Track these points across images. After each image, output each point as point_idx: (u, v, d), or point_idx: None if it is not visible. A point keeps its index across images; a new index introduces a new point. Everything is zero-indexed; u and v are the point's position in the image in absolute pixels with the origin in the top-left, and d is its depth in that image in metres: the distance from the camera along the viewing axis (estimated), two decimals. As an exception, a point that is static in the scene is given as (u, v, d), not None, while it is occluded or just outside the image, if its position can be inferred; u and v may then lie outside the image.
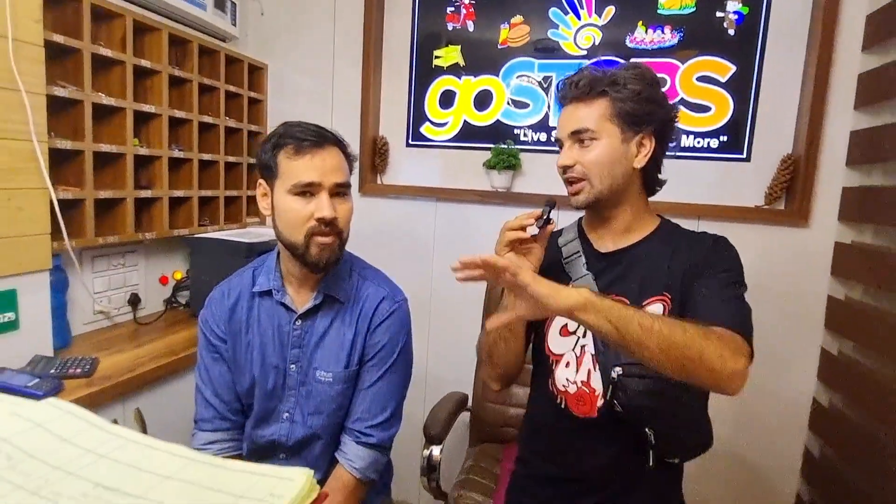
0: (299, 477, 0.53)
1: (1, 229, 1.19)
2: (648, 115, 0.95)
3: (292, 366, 1.08)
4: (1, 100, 1.17)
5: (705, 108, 1.77)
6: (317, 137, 1.00)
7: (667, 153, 1.05)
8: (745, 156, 1.75)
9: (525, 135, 1.95)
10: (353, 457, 1.05)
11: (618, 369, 0.92)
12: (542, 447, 1.09)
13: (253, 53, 2.13)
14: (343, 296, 1.09)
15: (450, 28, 1.98)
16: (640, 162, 0.98)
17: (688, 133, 1.79)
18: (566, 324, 1.05)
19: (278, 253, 1.11)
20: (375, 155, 2.10)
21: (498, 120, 1.97)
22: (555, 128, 1.73)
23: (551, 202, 0.97)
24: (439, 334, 2.06)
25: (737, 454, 1.79)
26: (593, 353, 1.00)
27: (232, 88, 1.98)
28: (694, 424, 0.97)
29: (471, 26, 1.96)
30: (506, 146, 1.92)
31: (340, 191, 1.02)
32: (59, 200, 1.31)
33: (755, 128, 1.73)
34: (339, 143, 1.06)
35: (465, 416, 1.75)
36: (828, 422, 1.64)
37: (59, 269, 1.39)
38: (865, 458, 1.39)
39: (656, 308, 0.96)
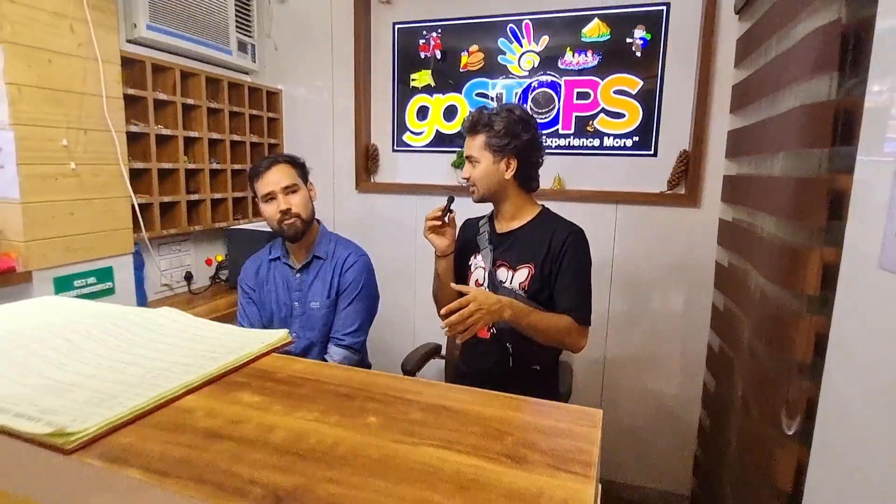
0: (280, 332, 1.01)
1: (101, 225, 1.77)
2: (507, 145, 1.46)
3: (295, 303, 1.69)
4: (99, 139, 1.74)
5: (621, 115, 2.23)
6: (267, 162, 1.58)
7: (541, 160, 1.55)
8: (652, 152, 2.20)
9: (483, 140, 2.44)
10: (333, 353, 1.65)
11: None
12: (464, 355, 1.67)
13: (269, 82, 2.68)
14: (324, 255, 1.68)
15: (422, 56, 2.49)
16: (509, 175, 1.49)
17: (608, 135, 2.25)
18: (477, 279, 1.58)
19: (280, 239, 1.71)
20: (368, 159, 2.63)
21: (461, 130, 2.47)
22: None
23: (451, 198, 1.49)
24: (422, 298, 2.59)
25: (647, 388, 2.27)
26: None
27: (254, 112, 2.54)
28: (538, 347, 1.46)
29: (438, 54, 2.46)
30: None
31: (290, 189, 1.60)
32: (137, 204, 1.89)
33: (659, 130, 2.18)
34: (287, 160, 1.63)
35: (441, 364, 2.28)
36: (718, 362, 2.09)
37: (137, 253, 1.97)
38: (742, 386, 1.85)
39: (524, 272, 1.49)
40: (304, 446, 0.52)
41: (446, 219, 1.51)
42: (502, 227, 1.56)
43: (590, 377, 2.35)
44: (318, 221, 1.74)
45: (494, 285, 1.51)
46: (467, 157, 1.51)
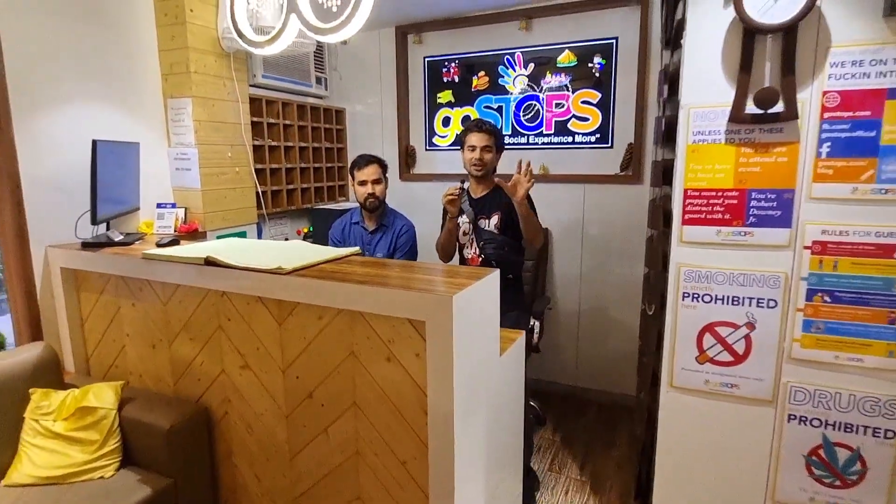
0: (355, 248, 2.00)
1: (240, 204, 2.83)
2: (498, 144, 2.39)
3: (366, 253, 2.63)
4: (240, 150, 2.79)
5: (586, 119, 3.07)
6: (366, 160, 2.54)
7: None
8: (609, 145, 3.04)
9: (490, 140, 3.35)
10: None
11: (481, 244, 2.36)
12: None
13: (337, 103, 3.70)
14: (388, 224, 2.63)
15: (445, 80, 3.42)
16: (497, 162, 2.42)
17: (578, 134, 3.11)
18: (463, 230, 2.42)
19: (359, 208, 2.66)
20: (408, 156, 3.60)
21: (475, 132, 3.39)
22: (506, 135, 3.13)
23: (463, 181, 2.39)
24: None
25: (601, 310, 3.12)
26: (474, 240, 2.42)
27: (327, 126, 3.56)
28: (512, 265, 2.37)
29: (456, 79, 3.39)
30: (479, 147, 3.33)
31: (377, 181, 2.55)
32: (259, 192, 2.94)
33: (614, 129, 3.02)
34: (378, 161, 2.58)
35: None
36: (645, 290, 2.91)
37: (259, 224, 3.02)
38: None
39: (496, 218, 2.36)
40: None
41: (461, 194, 2.37)
42: (477, 194, 2.44)
43: (567, 294, 3.23)
44: (386, 203, 2.71)
45: (477, 230, 2.38)
46: (482, 147, 2.35)
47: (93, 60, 2.28)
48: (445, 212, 2.44)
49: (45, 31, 2.11)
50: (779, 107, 1.46)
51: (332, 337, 1.59)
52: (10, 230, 2.08)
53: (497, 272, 1.62)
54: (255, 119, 2.94)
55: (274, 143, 3.10)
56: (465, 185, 2.38)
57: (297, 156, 3.30)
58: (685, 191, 1.64)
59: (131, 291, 2.03)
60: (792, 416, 1.61)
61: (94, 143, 1.99)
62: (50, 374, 1.98)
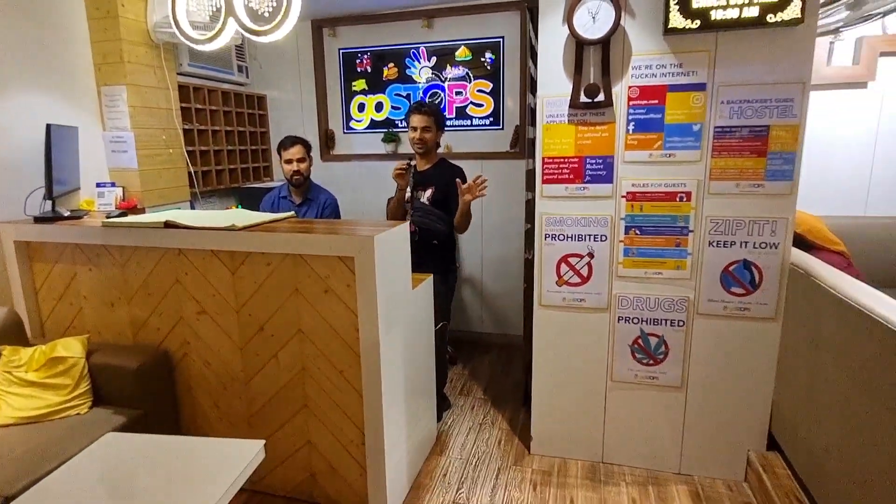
0: (289, 213, 2.42)
1: (174, 183, 3.10)
2: (440, 121, 2.79)
3: None
4: (172, 134, 3.06)
5: (481, 105, 3.63)
6: (291, 140, 2.92)
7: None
8: (501, 127, 3.63)
9: (401, 125, 3.83)
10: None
11: (412, 212, 2.69)
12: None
13: (258, 90, 3.99)
14: (313, 197, 3.03)
15: (359, 70, 3.84)
16: (438, 139, 2.82)
17: (475, 118, 3.66)
18: (407, 197, 2.66)
19: (286, 184, 3.04)
20: (328, 139, 3.98)
21: (387, 117, 3.85)
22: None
23: (411, 158, 2.74)
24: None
25: (499, 264, 3.74)
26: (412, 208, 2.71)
27: (250, 111, 3.86)
28: (435, 232, 2.70)
29: (369, 69, 3.82)
30: (391, 131, 3.80)
31: (301, 158, 2.94)
32: (191, 172, 3.22)
33: (503, 113, 3.60)
34: (300, 141, 2.97)
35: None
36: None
37: (191, 202, 3.30)
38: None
39: (429, 192, 2.75)
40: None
41: (408, 169, 2.66)
42: (421, 168, 2.81)
43: (471, 255, 3.81)
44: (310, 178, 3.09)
45: (412, 200, 2.67)
46: (422, 128, 2.72)
47: (32, 53, 2.48)
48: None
49: (-16, 24, 2.29)
50: (601, 97, 2.07)
51: (278, 278, 2.01)
52: (-40, 207, 2.28)
53: (405, 226, 2.12)
54: (184, 105, 3.20)
55: (202, 128, 3.38)
56: (413, 163, 2.70)
57: (223, 139, 3.58)
58: (543, 158, 2.22)
59: (88, 258, 2.31)
60: (620, 318, 2.27)
61: (48, 126, 2.24)
62: (15, 334, 2.24)
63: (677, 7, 1.90)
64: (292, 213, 2.38)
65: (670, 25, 1.92)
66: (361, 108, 3.90)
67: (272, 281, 2.03)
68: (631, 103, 2.08)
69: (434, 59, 3.67)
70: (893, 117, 3.04)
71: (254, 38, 2.20)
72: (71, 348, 2.18)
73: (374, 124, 3.89)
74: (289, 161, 2.95)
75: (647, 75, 2.05)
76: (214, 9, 2.22)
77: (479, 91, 3.62)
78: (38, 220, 2.35)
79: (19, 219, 2.40)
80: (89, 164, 2.77)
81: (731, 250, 2.09)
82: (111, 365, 2.18)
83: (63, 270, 2.38)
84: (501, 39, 3.51)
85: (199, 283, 2.15)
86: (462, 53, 3.61)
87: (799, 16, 1.82)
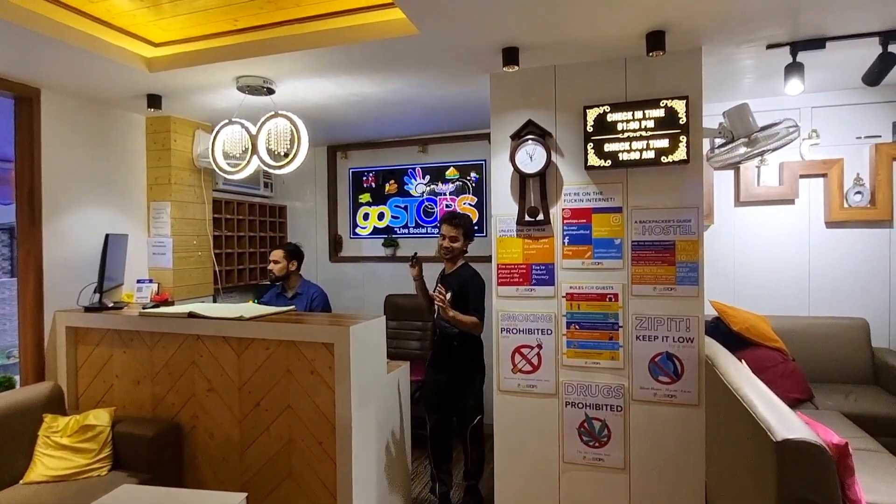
0: (289, 307, 2.89)
1: (201, 280, 3.66)
2: (466, 233, 2.95)
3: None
4: (203, 240, 3.67)
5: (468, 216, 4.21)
6: (275, 248, 3.49)
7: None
8: (485, 235, 4.16)
9: (399, 231, 4.42)
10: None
11: (437, 311, 2.96)
12: (435, 349, 3.13)
13: (280, 202, 4.69)
14: (302, 291, 3.50)
15: (365, 185, 4.52)
16: (465, 247, 2.98)
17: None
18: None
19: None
20: (336, 242, 4.58)
21: (388, 225, 4.45)
22: (410, 227, 4.20)
23: (415, 254, 3.00)
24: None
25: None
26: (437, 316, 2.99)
27: (272, 219, 4.52)
28: (452, 334, 2.88)
29: (373, 185, 4.49)
30: (390, 236, 4.38)
31: (275, 260, 3.45)
32: (216, 271, 3.79)
33: (487, 223, 4.16)
34: (281, 246, 3.53)
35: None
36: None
37: (214, 296, 3.83)
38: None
39: (450, 293, 2.80)
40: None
41: (413, 262, 2.96)
42: (447, 271, 2.99)
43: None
44: (301, 276, 3.60)
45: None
46: (450, 237, 2.91)
47: (100, 176, 3.17)
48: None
49: (70, 157, 3.00)
50: (541, 216, 2.58)
51: (274, 360, 2.45)
52: (30, 300, 2.84)
53: (382, 319, 2.57)
54: (216, 216, 3.86)
55: (229, 234, 4.01)
56: (417, 254, 3.01)
57: (247, 243, 4.20)
58: (498, 265, 2.70)
59: (123, 342, 2.80)
60: (567, 403, 2.60)
61: (107, 236, 2.84)
62: (56, 404, 2.69)
63: (593, 151, 2.46)
64: (293, 306, 2.87)
65: (588, 164, 2.47)
66: (366, 217, 4.52)
67: (269, 363, 2.46)
68: (565, 221, 2.58)
69: (428, 177, 4.33)
70: (820, 231, 3.47)
71: (270, 170, 2.83)
72: (100, 418, 2.60)
73: (376, 231, 4.49)
74: (273, 262, 3.48)
75: (576, 200, 2.56)
76: (244, 147, 2.88)
77: (466, 204, 4.22)
78: (88, 309, 2.88)
79: (72, 308, 2.93)
80: (133, 264, 3.36)
81: (655, 343, 2.46)
82: (131, 434, 2.58)
83: (102, 352, 2.86)
84: (484, 162, 4.16)
85: (210, 365, 2.59)
86: (451, 173, 4.26)
87: (685, 157, 2.34)
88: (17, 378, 2.93)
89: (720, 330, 3.15)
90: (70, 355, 2.90)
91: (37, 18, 2.17)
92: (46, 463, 2.46)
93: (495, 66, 2.55)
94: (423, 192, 4.34)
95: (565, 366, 2.60)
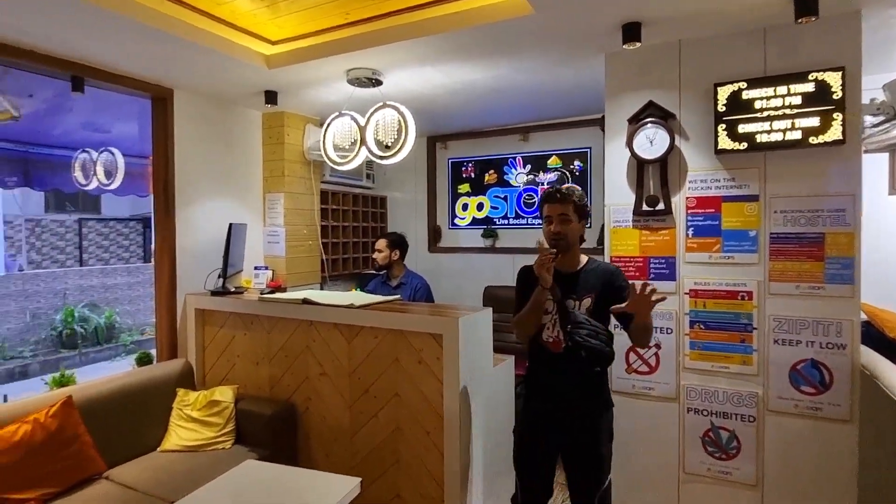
0: (394, 296, 2.92)
1: (309, 268, 3.82)
2: (579, 212, 1.96)
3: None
4: (311, 230, 3.83)
5: (571, 206, 4.03)
6: (378, 238, 3.52)
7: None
8: (589, 225, 3.96)
9: (499, 222, 4.34)
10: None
11: (569, 327, 1.90)
12: (537, 370, 2.07)
13: (381, 192, 4.79)
14: (406, 281, 3.52)
15: (464, 175, 4.48)
16: (582, 231, 2.01)
17: (564, 217, 4.06)
18: (546, 308, 1.96)
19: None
20: (435, 233, 4.60)
21: (487, 216, 4.39)
22: (510, 218, 4.12)
23: (555, 247, 1.91)
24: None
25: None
26: (557, 322, 1.96)
27: (373, 210, 4.63)
28: (605, 357, 1.89)
29: (472, 175, 4.44)
30: (490, 227, 4.32)
31: (378, 249, 3.50)
32: (323, 259, 3.95)
33: (591, 213, 3.96)
34: (384, 236, 3.56)
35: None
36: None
37: (321, 284, 3.99)
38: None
39: (587, 300, 1.92)
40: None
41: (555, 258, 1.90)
42: (566, 269, 1.97)
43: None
44: (404, 265, 3.63)
45: (563, 311, 1.93)
46: (558, 216, 1.92)
47: (222, 169, 3.40)
48: (525, 281, 2.04)
49: (198, 151, 3.23)
50: (661, 206, 2.38)
51: (383, 349, 2.48)
52: (165, 284, 3.10)
53: (488, 311, 2.50)
54: (323, 206, 4.01)
55: (335, 224, 4.16)
56: (556, 251, 1.91)
57: (350, 233, 4.34)
58: (611, 257, 2.53)
59: (244, 324, 2.98)
60: (690, 409, 2.39)
61: (231, 225, 3.04)
62: (187, 379, 2.92)
63: (725, 133, 2.22)
64: (398, 296, 2.89)
65: (719, 147, 2.23)
66: (465, 207, 4.49)
67: (378, 351, 2.50)
68: (689, 211, 2.36)
69: (529, 166, 4.20)
70: None
71: (378, 161, 2.87)
72: (225, 394, 2.79)
73: (475, 222, 4.45)
74: (376, 251, 3.53)
75: (702, 187, 2.33)
76: (353, 139, 2.93)
77: (568, 194, 4.04)
78: (214, 293, 3.10)
79: (200, 291, 3.17)
80: (250, 252, 3.57)
81: (798, 349, 2.19)
82: (251, 411, 2.74)
83: (225, 333, 3.07)
84: (589, 149, 3.96)
85: (323, 350, 2.68)
86: (553, 161, 4.10)
87: (840, 137, 2.04)
88: (153, 353, 3.24)
89: (871, 336, 2.74)
90: (198, 335, 3.14)
91: (171, 21, 2.32)
92: (179, 434, 2.68)
93: (613, 44, 2.38)
94: (526, 181, 4.23)
95: (688, 368, 2.39)
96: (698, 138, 2.35)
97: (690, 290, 2.36)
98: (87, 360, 7.72)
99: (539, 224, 4.05)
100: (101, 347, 8.04)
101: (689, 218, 2.36)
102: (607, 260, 2.55)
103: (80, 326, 7.96)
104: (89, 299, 8.63)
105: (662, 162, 2.38)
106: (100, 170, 4.03)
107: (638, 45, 2.23)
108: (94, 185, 4.11)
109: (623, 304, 1.83)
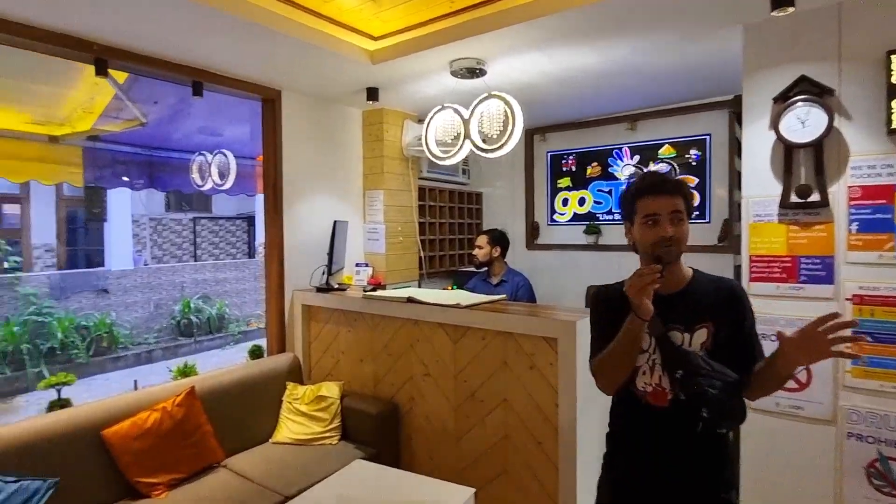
0: (501, 296, 2.79)
1: (407, 265, 3.79)
2: (689, 209, 1.40)
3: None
4: (409, 226, 3.80)
5: (686, 199, 3.68)
6: (479, 234, 3.38)
7: None
8: (708, 220, 3.60)
9: (602, 217, 4.07)
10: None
11: (678, 374, 1.32)
12: (628, 432, 1.48)
13: (476, 188, 4.68)
14: (507, 279, 3.38)
15: (563, 169, 4.25)
16: (687, 236, 1.38)
17: (678, 211, 3.71)
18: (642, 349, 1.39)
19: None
20: (533, 229, 4.42)
21: (589, 211, 4.14)
22: (615, 213, 3.85)
23: (659, 261, 1.32)
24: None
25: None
26: (657, 363, 1.38)
27: (469, 206, 4.53)
28: (732, 414, 1.33)
29: (573, 168, 4.20)
30: (593, 223, 4.06)
31: (478, 245, 3.35)
32: (421, 256, 3.91)
33: (711, 207, 3.59)
34: (485, 232, 3.41)
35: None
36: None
37: (419, 281, 3.96)
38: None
39: (703, 331, 1.36)
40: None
41: (662, 277, 1.30)
42: (666, 288, 1.38)
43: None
44: (505, 263, 3.49)
45: (668, 349, 1.37)
46: (670, 215, 1.35)
47: (325, 167, 3.44)
48: (604, 309, 1.51)
49: (303, 150, 3.30)
50: (815, 197, 2.05)
51: (490, 351, 2.36)
52: (274, 280, 3.19)
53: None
54: (419, 203, 3.97)
55: (431, 220, 4.11)
56: (662, 267, 1.32)
57: (447, 229, 4.27)
58: (750, 257, 2.23)
59: (348, 321, 3.00)
60: (851, 434, 2.04)
61: (335, 222, 3.06)
62: (295, 373, 2.98)
63: (904, 108, 1.85)
64: (504, 295, 2.76)
65: (894, 126, 1.87)
66: (565, 202, 4.27)
67: (485, 353, 2.38)
68: (852, 203, 2.01)
69: (637, 157, 3.90)
70: None
71: (482, 154, 2.75)
72: (331, 390, 2.81)
73: (576, 217, 4.21)
74: (476, 247, 3.40)
75: (870, 175, 1.98)
76: (455, 133, 2.84)
77: (683, 186, 3.69)
78: (319, 289, 3.15)
79: (305, 287, 3.24)
80: (351, 249, 3.61)
81: None
82: (356, 409, 2.74)
83: (330, 329, 3.10)
84: (708, 137, 3.58)
85: (427, 350, 2.62)
86: (666, 151, 3.76)
87: None
88: (263, 345, 3.36)
89: None
90: (305, 330, 3.21)
91: (282, 20, 2.34)
92: (290, 427, 2.74)
93: (755, 13, 2.09)
94: (633, 173, 3.93)
95: (848, 387, 2.04)
96: (864, 117, 1.99)
97: (854, 296, 2.02)
98: (200, 347, 8.35)
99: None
100: (212, 336, 8.66)
101: (853, 211, 2.01)
102: (745, 261, 2.25)
103: (196, 316, 8.62)
104: (203, 292, 9.34)
105: (817, 146, 2.04)
106: (214, 171, 4.27)
107: (791, 10, 1.93)
108: (209, 185, 4.37)
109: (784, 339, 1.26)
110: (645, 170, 3.86)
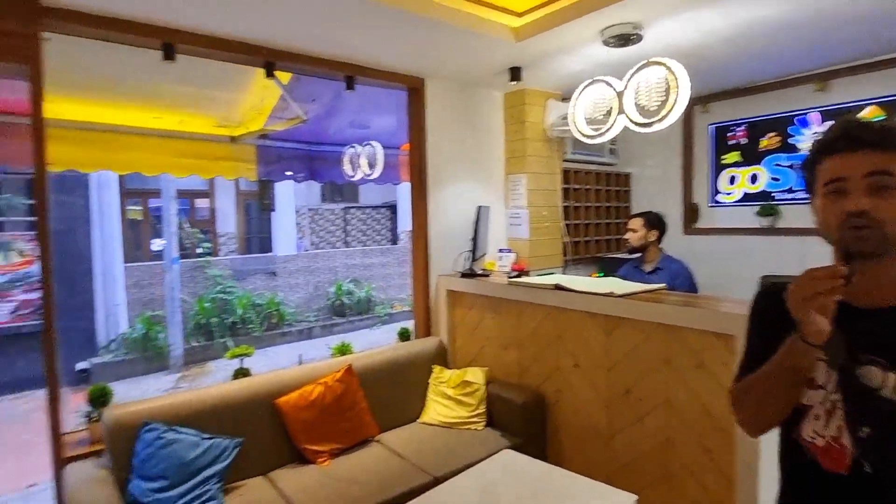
0: (655, 286, 2.53)
1: (551, 251, 3.65)
2: None
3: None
4: (553, 211, 3.65)
5: (897, 171, 3.01)
6: (630, 217, 3.07)
7: None
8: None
9: (780, 196, 3.51)
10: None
11: (866, 430, 0.87)
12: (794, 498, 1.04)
13: (624, 168, 4.35)
14: (663, 266, 3.01)
15: (730, 143, 3.75)
16: None
17: (886, 186, 3.06)
18: (813, 378, 0.95)
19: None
20: (691, 211, 3.98)
21: (763, 189, 3.60)
22: (797, 191, 3.30)
23: (847, 261, 0.86)
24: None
25: None
26: (838, 407, 0.92)
27: (616, 188, 4.23)
28: None
29: (742, 141, 3.68)
30: (769, 203, 3.53)
31: (632, 228, 3.04)
32: (564, 242, 3.74)
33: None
34: (639, 215, 3.07)
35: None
36: None
37: (563, 268, 3.80)
38: None
39: None
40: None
41: (847, 283, 0.83)
42: (865, 302, 0.92)
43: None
44: (661, 249, 3.17)
45: (854, 392, 0.90)
46: (867, 178, 0.87)
47: (467, 152, 3.43)
48: (769, 318, 1.01)
49: (446, 137, 3.31)
50: None
51: (650, 346, 2.15)
52: (420, 265, 3.27)
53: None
54: (564, 186, 3.78)
55: (576, 204, 3.90)
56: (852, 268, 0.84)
57: (593, 214, 4.03)
58: None
59: (492, 307, 2.96)
60: None
61: (479, 207, 3.03)
62: (441, 357, 3.03)
63: None
64: (662, 284, 2.50)
65: None
66: (733, 180, 3.77)
67: (644, 347, 2.18)
68: None
69: (829, 123, 3.27)
70: None
71: (640, 129, 2.50)
72: (476, 376, 2.81)
73: (747, 197, 3.70)
74: (629, 230, 3.10)
75: None
76: (608, 108, 2.62)
77: (893, 155, 3.03)
78: (464, 275, 3.16)
79: (449, 273, 3.27)
80: (493, 234, 3.56)
81: None
82: (502, 397, 2.70)
83: (474, 315, 3.10)
84: (932, 92, 2.88)
85: (575, 340, 2.48)
86: (870, 114, 3.11)
87: None
88: (410, 328, 3.48)
89: None
90: (450, 315, 3.25)
91: (425, 4, 2.32)
92: (437, 409, 2.80)
93: None
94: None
95: None
96: None
97: None
98: (352, 327, 9.05)
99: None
100: (362, 317, 9.33)
101: None
102: None
103: (347, 298, 9.36)
104: (353, 276, 10.10)
105: None
106: (364, 162, 4.52)
107: None
108: (359, 175, 4.63)
109: None
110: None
